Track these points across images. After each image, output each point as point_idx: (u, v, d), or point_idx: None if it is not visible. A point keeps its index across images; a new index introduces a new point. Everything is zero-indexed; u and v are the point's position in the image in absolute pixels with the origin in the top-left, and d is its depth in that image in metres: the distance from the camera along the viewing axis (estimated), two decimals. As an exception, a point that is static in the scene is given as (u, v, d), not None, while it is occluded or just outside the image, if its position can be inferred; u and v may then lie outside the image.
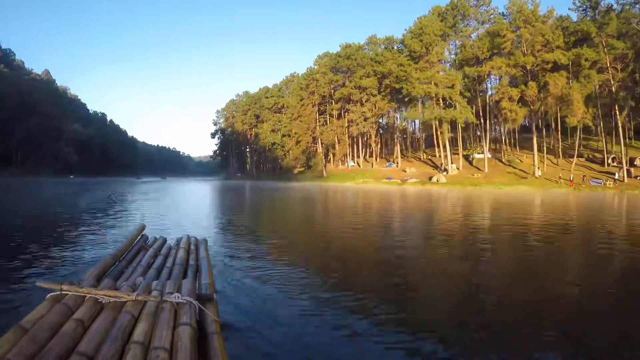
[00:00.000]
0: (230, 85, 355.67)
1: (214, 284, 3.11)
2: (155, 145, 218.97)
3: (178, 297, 2.32)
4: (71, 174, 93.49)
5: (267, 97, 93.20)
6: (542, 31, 41.44)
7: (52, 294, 2.17)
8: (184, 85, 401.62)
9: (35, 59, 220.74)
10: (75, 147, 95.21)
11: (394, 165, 56.35)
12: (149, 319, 2.04)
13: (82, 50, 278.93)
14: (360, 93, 59.93)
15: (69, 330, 1.80)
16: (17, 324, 1.80)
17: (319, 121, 70.86)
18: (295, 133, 70.63)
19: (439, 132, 49.34)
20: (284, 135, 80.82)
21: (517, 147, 50.31)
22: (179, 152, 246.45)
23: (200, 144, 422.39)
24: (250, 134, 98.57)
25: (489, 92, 50.13)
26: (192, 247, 4.12)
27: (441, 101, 48.91)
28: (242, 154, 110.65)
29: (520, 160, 46.44)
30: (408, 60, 51.13)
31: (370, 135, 63.79)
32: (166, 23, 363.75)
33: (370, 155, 65.24)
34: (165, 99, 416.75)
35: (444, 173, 45.31)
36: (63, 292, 2.19)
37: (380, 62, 56.69)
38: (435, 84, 47.99)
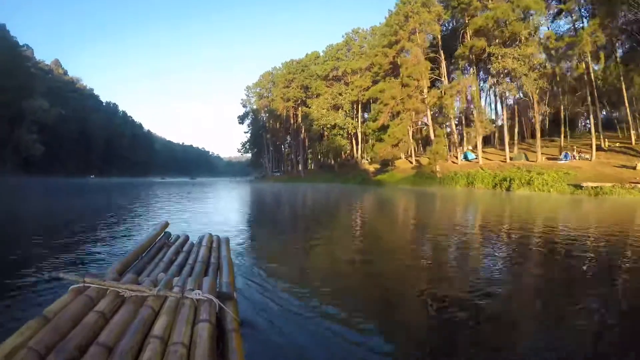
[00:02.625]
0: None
1: (235, 283, 3.10)
2: (181, 143, 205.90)
3: (198, 294, 2.30)
4: (91, 174, 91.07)
5: (317, 65, 67.43)
6: None
7: (75, 285, 2.20)
8: (215, 83, 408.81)
9: (65, 59, 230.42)
10: (52, 135, 74.89)
11: (572, 157, 32.68)
12: (169, 314, 2.03)
13: (115, 57, 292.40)
14: (518, 21, 33.25)
15: (90, 322, 1.82)
16: (40, 313, 1.82)
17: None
18: (392, 98, 41.43)
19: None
20: (348, 115, 59.27)
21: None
22: (208, 152, 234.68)
23: (231, 145, 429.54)
24: (295, 115, 72.72)
25: None
26: (214, 245, 4.13)
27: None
28: (281, 145, 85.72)
29: None
30: None
31: (531, 102, 36.08)
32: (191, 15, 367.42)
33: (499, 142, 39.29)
34: (193, 98, 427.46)
35: None
36: (86, 285, 2.21)
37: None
38: None
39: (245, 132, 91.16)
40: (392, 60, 44.26)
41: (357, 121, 58.98)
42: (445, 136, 41.59)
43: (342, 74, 60.95)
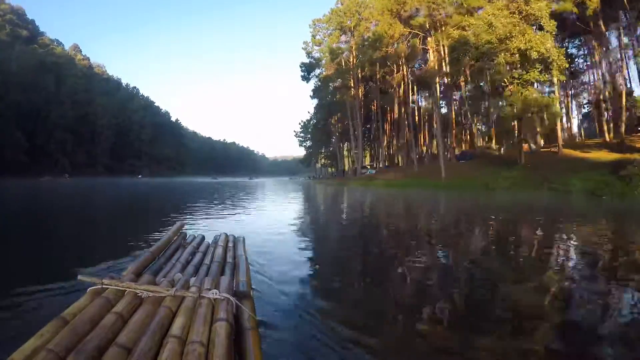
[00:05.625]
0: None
1: (251, 282, 3.11)
2: (222, 140, 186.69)
3: (216, 293, 2.31)
4: (139, 174, 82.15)
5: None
6: None
7: (93, 287, 2.22)
8: (259, 80, 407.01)
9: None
10: (32, 122, 58.13)
11: None
12: (187, 313, 2.04)
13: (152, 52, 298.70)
14: None
15: (108, 323, 1.83)
16: (58, 315, 1.84)
17: None
18: None
19: None
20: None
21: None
22: (253, 150, 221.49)
23: (275, 144, 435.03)
24: (421, 51, 41.26)
25: None
26: (230, 244, 4.15)
27: None
28: (373, 121, 55.02)
29: None
30: None
31: None
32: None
33: None
34: (235, 94, 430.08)
35: None
36: (104, 286, 2.22)
37: None
38: None
39: (311, 97, 61.02)
40: None
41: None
42: None
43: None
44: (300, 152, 75.84)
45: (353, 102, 51.27)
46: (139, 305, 2.12)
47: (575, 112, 44.58)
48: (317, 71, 58.53)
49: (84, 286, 2.30)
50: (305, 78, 58.94)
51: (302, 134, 69.53)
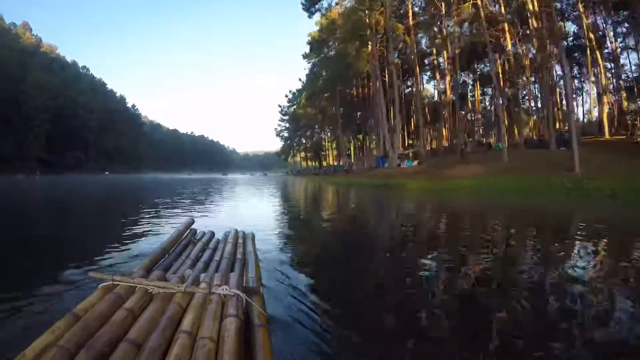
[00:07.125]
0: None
1: (261, 278, 3.11)
2: (189, 133, 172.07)
3: (225, 289, 2.31)
4: (105, 170, 73.95)
5: None
6: None
7: (104, 284, 2.24)
8: (231, 71, 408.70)
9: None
10: None
11: None
12: (197, 310, 2.04)
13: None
14: None
15: (119, 319, 1.84)
16: (70, 311, 1.87)
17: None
18: None
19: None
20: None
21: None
22: (223, 145, 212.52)
23: (246, 139, 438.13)
24: None
25: None
26: (240, 240, 4.16)
27: None
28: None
29: None
30: None
31: None
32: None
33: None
34: (208, 86, 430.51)
35: None
36: (115, 283, 2.24)
37: None
38: None
39: (304, 57, 49.22)
40: None
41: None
42: None
43: None
44: (273, 147, 66.68)
45: (387, 58, 36.01)
46: (150, 302, 2.14)
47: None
48: (325, 3, 42.07)
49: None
50: (307, 9, 42.40)
51: (288, 113, 56.82)
